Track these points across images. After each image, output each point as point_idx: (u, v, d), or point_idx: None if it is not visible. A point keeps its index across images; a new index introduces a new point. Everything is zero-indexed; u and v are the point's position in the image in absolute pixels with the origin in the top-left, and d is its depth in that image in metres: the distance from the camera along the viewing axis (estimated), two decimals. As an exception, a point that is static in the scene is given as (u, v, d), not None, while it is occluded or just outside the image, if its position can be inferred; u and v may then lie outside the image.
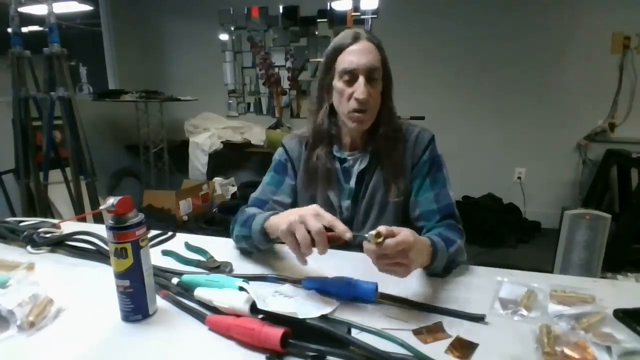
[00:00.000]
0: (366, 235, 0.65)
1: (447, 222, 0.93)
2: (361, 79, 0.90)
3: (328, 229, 0.70)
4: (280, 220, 0.75)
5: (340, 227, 0.69)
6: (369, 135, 1.00)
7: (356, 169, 1.01)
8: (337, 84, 0.94)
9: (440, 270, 0.82)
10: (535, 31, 3.14)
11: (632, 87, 3.02)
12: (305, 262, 0.72)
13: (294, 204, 1.04)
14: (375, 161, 0.99)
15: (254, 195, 1.05)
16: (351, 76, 0.91)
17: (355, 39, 0.92)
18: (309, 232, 0.69)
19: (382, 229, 0.65)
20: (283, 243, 0.77)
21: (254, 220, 0.88)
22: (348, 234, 0.68)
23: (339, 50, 0.93)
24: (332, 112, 1.00)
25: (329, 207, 1.00)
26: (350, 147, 1.02)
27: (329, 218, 0.70)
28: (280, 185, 1.05)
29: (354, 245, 0.98)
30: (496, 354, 0.58)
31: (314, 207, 0.72)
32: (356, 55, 0.91)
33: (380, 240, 0.64)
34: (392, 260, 0.66)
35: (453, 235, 0.88)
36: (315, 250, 0.70)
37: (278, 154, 1.09)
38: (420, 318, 0.67)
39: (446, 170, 1.00)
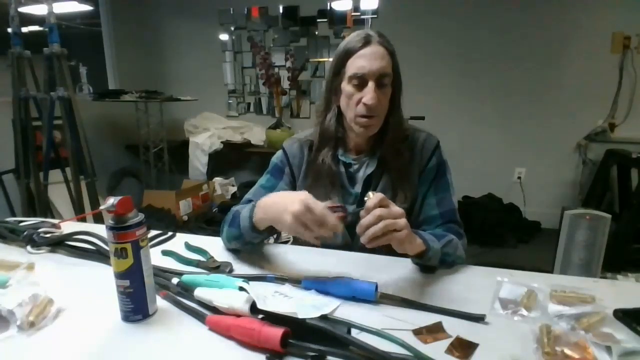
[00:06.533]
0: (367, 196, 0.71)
1: (447, 226, 0.94)
2: (371, 84, 0.89)
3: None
4: (273, 219, 0.78)
5: (331, 221, 0.70)
6: (375, 139, 0.98)
7: (362, 174, 0.99)
8: (346, 87, 0.92)
9: (437, 262, 0.83)
10: (535, 31, 3.14)
11: (632, 87, 3.02)
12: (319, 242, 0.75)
13: None
14: (382, 167, 0.97)
15: (247, 195, 1.05)
16: (361, 81, 0.89)
17: (367, 42, 0.90)
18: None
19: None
20: (274, 235, 0.77)
21: (239, 217, 0.88)
22: (339, 229, 0.71)
23: (349, 53, 0.91)
24: (339, 114, 0.98)
25: None
26: (355, 151, 1.01)
27: (319, 212, 0.70)
28: (273, 189, 1.03)
29: (354, 247, 0.98)
30: (496, 354, 0.58)
31: (302, 201, 0.71)
32: (367, 59, 0.88)
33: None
34: (377, 219, 0.69)
35: (446, 233, 0.89)
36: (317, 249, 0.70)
37: (277, 157, 1.07)
38: (420, 318, 0.67)
39: (450, 175, 1.00)
